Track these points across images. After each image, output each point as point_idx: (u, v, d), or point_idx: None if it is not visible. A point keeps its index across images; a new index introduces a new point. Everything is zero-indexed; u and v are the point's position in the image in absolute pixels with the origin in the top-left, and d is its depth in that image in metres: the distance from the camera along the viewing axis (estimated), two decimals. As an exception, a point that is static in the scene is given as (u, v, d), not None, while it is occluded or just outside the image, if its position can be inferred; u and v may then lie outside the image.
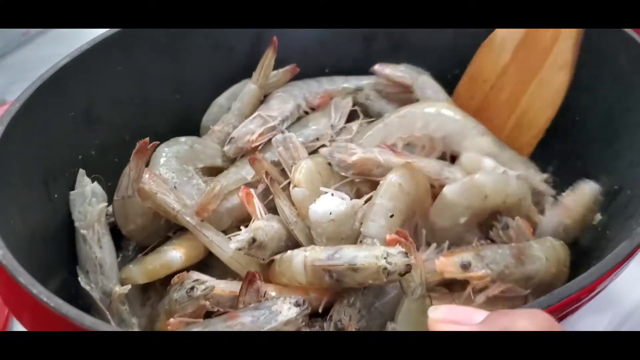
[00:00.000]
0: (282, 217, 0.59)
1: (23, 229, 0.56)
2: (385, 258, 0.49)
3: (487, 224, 0.62)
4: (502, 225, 0.59)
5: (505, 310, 0.40)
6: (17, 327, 0.68)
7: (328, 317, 0.53)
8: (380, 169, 0.61)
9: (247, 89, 0.75)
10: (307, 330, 0.53)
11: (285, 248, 0.58)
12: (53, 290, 0.45)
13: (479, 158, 0.66)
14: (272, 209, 0.61)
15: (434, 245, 0.58)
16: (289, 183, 0.61)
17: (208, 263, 0.63)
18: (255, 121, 0.70)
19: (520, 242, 0.57)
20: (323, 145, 0.68)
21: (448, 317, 0.41)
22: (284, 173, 0.65)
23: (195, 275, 0.57)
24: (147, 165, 0.61)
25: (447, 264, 0.51)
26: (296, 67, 0.77)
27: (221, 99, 0.78)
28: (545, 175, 0.70)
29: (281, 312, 0.49)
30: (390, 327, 0.51)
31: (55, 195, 0.62)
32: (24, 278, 0.46)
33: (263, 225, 0.57)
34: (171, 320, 0.53)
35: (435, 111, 0.69)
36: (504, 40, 0.71)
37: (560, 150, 0.73)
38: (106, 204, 0.63)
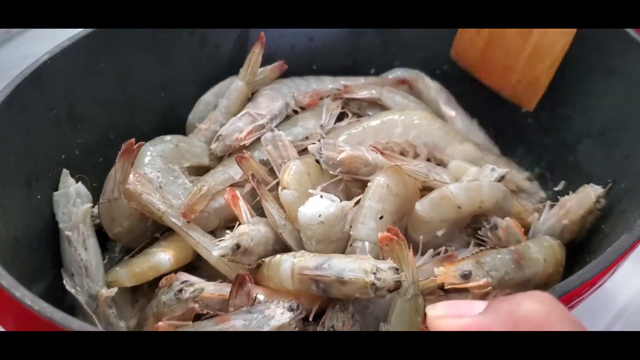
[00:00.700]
0: (270, 221, 0.58)
1: (6, 231, 0.55)
2: (374, 273, 0.48)
3: (477, 222, 0.61)
4: (491, 226, 0.58)
5: (504, 296, 0.39)
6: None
7: (320, 322, 0.53)
8: (368, 167, 0.61)
9: (235, 86, 0.73)
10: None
11: (273, 252, 0.57)
12: (39, 293, 0.44)
13: (466, 166, 0.66)
14: (260, 209, 0.60)
15: (430, 251, 0.58)
16: (277, 184, 0.60)
17: (196, 265, 0.62)
18: (244, 119, 0.69)
19: (510, 243, 0.57)
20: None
21: (448, 311, 0.40)
22: (272, 172, 0.64)
23: (184, 276, 0.56)
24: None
25: (448, 275, 0.51)
26: (284, 63, 0.76)
27: (207, 96, 0.77)
28: (527, 174, 0.71)
29: (274, 317, 0.48)
30: (384, 327, 0.50)
31: (39, 197, 0.60)
32: (6, 280, 0.45)
33: (249, 230, 0.56)
34: (160, 323, 0.52)
35: (414, 119, 0.69)
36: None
37: (552, 145, 0.73)
38: (91, 204, 0.62)
